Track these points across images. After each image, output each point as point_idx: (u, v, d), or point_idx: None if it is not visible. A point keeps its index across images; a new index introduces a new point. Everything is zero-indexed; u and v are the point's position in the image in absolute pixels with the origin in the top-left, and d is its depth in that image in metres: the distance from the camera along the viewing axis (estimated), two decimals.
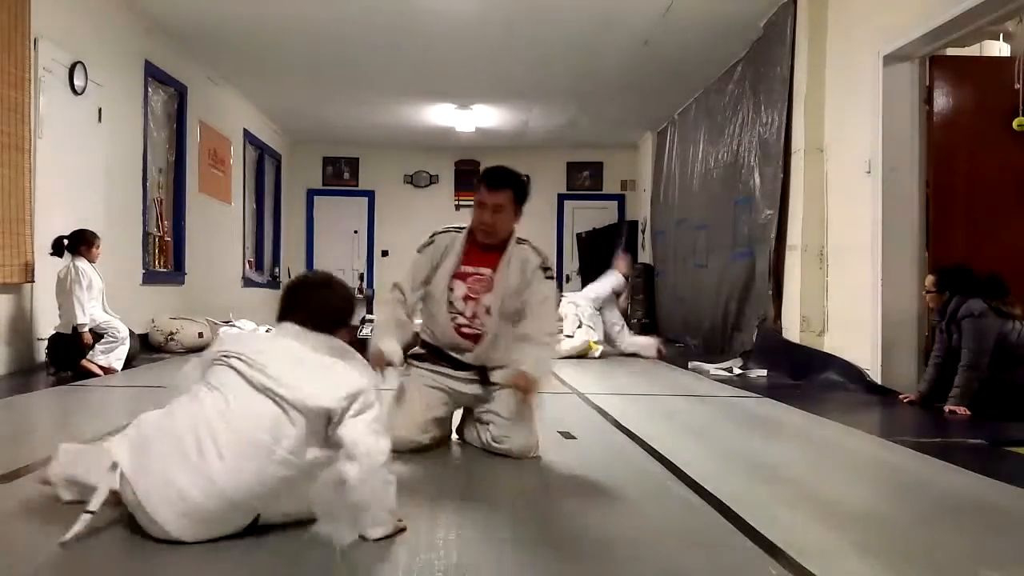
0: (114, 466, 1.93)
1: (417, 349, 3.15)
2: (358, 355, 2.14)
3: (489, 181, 3.05)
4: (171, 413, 2.01)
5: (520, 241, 3.09)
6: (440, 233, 3.17)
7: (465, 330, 3.02)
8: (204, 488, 1.85)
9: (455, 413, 3.20)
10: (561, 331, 3.19)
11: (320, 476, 2.00)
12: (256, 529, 1.95)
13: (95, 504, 1.90)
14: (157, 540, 1.87)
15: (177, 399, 2.04)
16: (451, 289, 3.02)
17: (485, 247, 3.05)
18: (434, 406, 3.04)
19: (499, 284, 2.99)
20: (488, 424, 3.00)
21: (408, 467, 2.80)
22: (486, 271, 3.01)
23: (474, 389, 3.05)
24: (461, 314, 3.02)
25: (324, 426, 1.97)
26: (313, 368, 2.01)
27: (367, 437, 1.95)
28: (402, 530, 1.99)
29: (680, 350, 8.35)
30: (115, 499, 1.96)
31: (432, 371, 3.07)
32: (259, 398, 1.95)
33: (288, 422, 1.93)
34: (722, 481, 2.61)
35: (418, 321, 3.17)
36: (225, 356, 2.03)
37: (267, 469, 1.90)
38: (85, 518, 1.89)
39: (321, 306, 2.14)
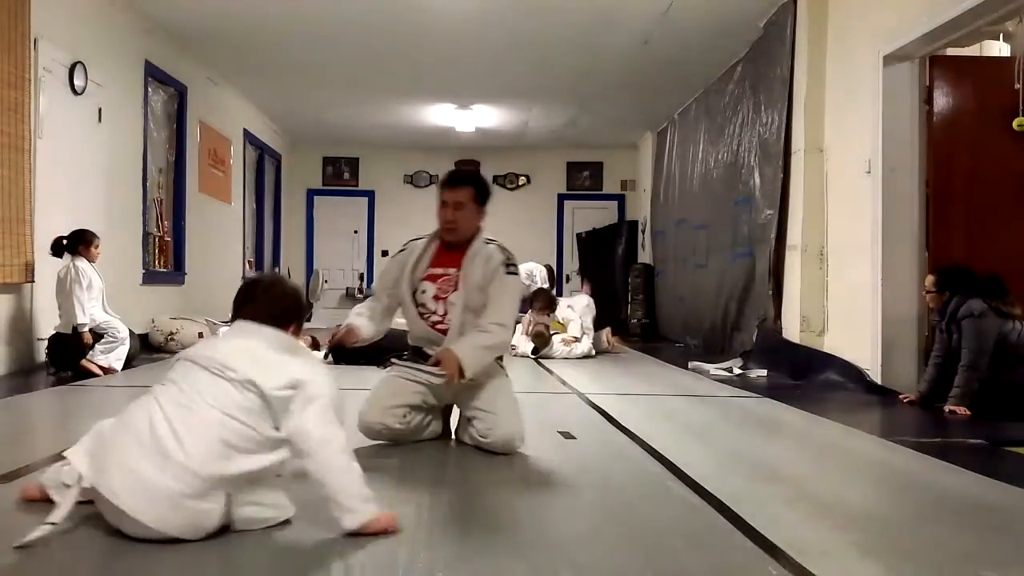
0: (77, 479, 1.94)
1: (404, 353, 3.25)
2: (308, 350, 2.21)
3: (449, 180, 3.22)
4: (127, 412, 2.04)
5: (488, 241, 3.20)
6: (412, 240, 3.30)
7: (439, 327, 3.12)
8: (163, 466, 1.86)
9: (452, 414, 3.24)
10: (513, 324, 3.20)
11: (287, 471, 2.04)
12: (243, 533, 1.95)
13: (56, 516, 1.91)
14: (152, 542, 1.87)
15: (133, 402, 2.08)
16: (422, 291, 3.15)
17: (451, 247, 3.17)
18: (404, 393, 3.10)
19: (462, 281, 3.09)
20: (473, 420, 3.07)
21: (408, 467, 2.81)
22: (452, 271, 3.13)
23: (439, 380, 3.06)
24: (434, 313, 3.13)
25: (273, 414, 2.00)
26: (258, 359, 2.05)
27: (317, 427, 1.98)
28: (390, 530, 1.98)
29: (680, 350, 8.36)
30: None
31: (410, 367, 3.14)
32: (212, 378, 2.00)
33: (241, 397, 1.97)
34: (722, 481, 2.61)
35: (400, 320, 3.29)
36: (180, 357, 2.12)
37: (224, 436, 1.92)
38: (44, 528, 1.88)
39: (271, 303, 2.21)
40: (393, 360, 3.25)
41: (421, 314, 3.14)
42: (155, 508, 1.85)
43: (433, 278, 3.15)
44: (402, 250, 3.28)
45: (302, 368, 2.07)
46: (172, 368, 2.11)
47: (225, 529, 1.94)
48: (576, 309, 7.43)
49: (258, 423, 1.97)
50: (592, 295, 8.22)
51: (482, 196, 3.20)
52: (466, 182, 3.20)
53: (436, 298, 3.13)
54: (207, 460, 1.89)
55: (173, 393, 2.00)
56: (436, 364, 2.96)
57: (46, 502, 2.07)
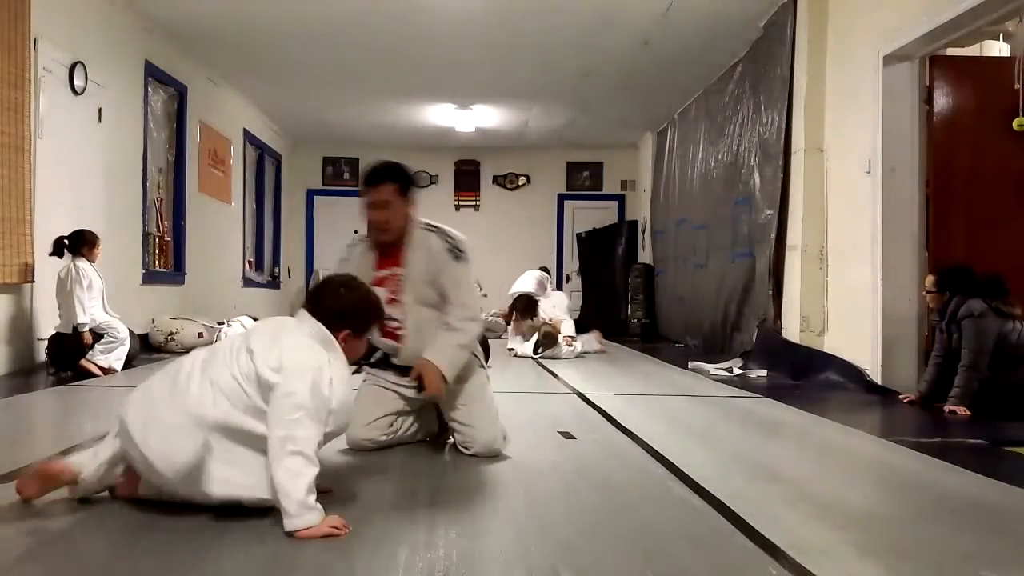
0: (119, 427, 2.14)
1: (373, 356, 3.14)
2: (340, 352, 2.24)
3: (368, 179, 3.01)
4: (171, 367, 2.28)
5: (430, 228, 3.04)
6: (350, 245, 3.16)
7: (400, 332, 2.99)
8: (168, 402, 2.12)
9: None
10: (480, 313, 3.12)
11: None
12: (242, 534, 1.95)
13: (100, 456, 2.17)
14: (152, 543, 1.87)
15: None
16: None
17: (391, 246, 3.01)
18: (384, 402, 3.03)
19: (406, 279, 2.95)
20: (453, 431, 3.05)
21: (406, 469, 2.80)
22: (398, 270, 2.98)
23: (415, 394, 2.98)
24: (393, 319, 2.96)
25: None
26: (276, 339, 2.19)
27: (278, 425, 2.03)
28: (335, 535, 1.97)
29: (680, 350, 8.36)
30: (126, 489, 2.18)
31: (383, 376, 3.08)
32: (239, 342, 2.20)
33: (247, 364, 2.13)
34: (722, 481, 2.61)
35: None
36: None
37: (224, 388, 2.10)
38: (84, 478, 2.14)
39: (330, 301, 2.30)
40: (365, 367, 3.13)
41: (385, 322, 2.90)
42: (144, 430, 2.06)
43: (382, 281, 2.94)
44: (344, 258, 3.09)
45: (304, 360, 2.12)
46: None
47: (223, 517, 1.93)
48: (560, 308, 7.49)
49: (252, 391, 2.10)
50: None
51: (405, 188, 3.01)
52: (385, 177, 2.98)
53: (391, 302, 2.91)
54: (199, 402, 2.09)
55: (205, 355, 2.23)
56: (417, 378, 2.87)
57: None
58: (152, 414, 2.10)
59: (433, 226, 3.06)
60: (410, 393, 2.98)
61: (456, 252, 2.98)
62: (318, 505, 2.00)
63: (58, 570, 1.83)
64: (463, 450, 3.00)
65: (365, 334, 2.38)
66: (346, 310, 2.29)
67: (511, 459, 2.96)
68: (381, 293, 2.86)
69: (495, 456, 2.95)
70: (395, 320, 2.96)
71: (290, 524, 1.96)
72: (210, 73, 8.73)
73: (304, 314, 2.27)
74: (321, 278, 2.51)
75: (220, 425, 2.08)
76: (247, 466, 2.08)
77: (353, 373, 2.97)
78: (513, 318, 7.52)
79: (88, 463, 2.19)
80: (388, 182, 2.98)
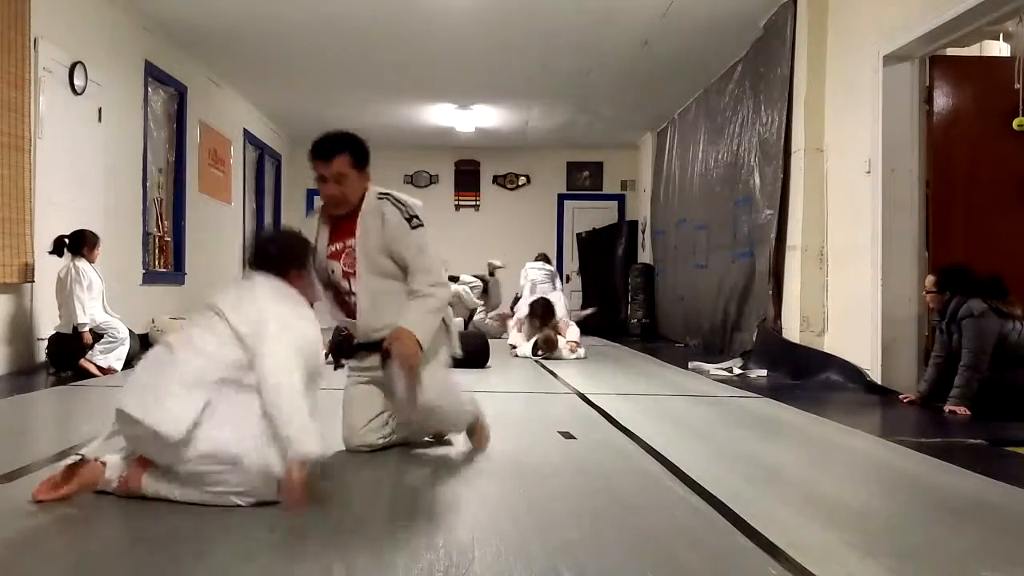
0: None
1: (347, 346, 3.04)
2: (300, 298, 2.44)
3: (320, 151, 2.84)
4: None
5: (381, 196, 2.92)
6: (305, 219, 3.09)
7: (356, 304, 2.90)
8: (159, 373, 2.23)
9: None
10: (444, 277, 2.93)
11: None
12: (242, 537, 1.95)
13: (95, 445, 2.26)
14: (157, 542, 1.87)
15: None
16: (332, 272, 2.91)
17: (343, 218, 2.90)
18: (373, 402, 2.95)
19: (359, 247, 2.84)
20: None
21: (407, 467, 2.80)
22: (351, 241, 2.87)
23: (390, 370, 2.83)
24: (352, 293, 2.89)
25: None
26: (241, 298, 2.35)
27: (271, 372, 2.17)
28: (294, 503, 2.07)
29: (680, 350, 8.36)
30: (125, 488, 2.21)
31: (356, 366, 3.00)
32: (214, 319, 2.31)
33: (224, 329, 2.27)
34: (722, 481, 2.61)
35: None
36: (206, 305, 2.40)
37: (210, 355, 2.23)
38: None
39: (267, 251, 2.50)
40: (347, 364, 3.04)
41: (343, 298, 2.90)
42: (143, 407, 2.15)
43: (337, 255, 2.88)
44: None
45: (275, 310, 2.30)
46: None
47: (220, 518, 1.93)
48: (563, 311, 7.52)
49: (234, 349, 2.24)
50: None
51: (360, 159, 2.87)
52: (339, 148, 2.84)
53: (345, 275, 2.87)
54: (189, 370, 2.20)
55: (179, 334, 2.34)
56: (387, 355, 2.73)
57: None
58: (147, 391, 2.19)
59: (384, 193, 2.93)
60: (381, 373, 2.83)
61: (411, 219, 2.85)
62: (318, 437, 2.14)
63: (58, 569, 1.83)
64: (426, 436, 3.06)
65: (307, 269, 2.55)
66: (281, 252, 2.49)
67: (511, 459, 2.96)
68: (336, 267, 2.89)
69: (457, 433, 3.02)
70: (353, 295, 2.88)
71: (293, 451, 2.07)
72: (210, 73, 8.73)
73: (253, 274, 2.43)
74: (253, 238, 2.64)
75: (213, 385, 2.19)
76: (238, 422, 2.17)
77: (334, 371, 2.97)
78: (530, 323, 7.32)
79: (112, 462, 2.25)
80: (343, 153, 2.84)
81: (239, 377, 2.22)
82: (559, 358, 6.94)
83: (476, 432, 3.09)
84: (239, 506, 2.16)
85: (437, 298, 2.82)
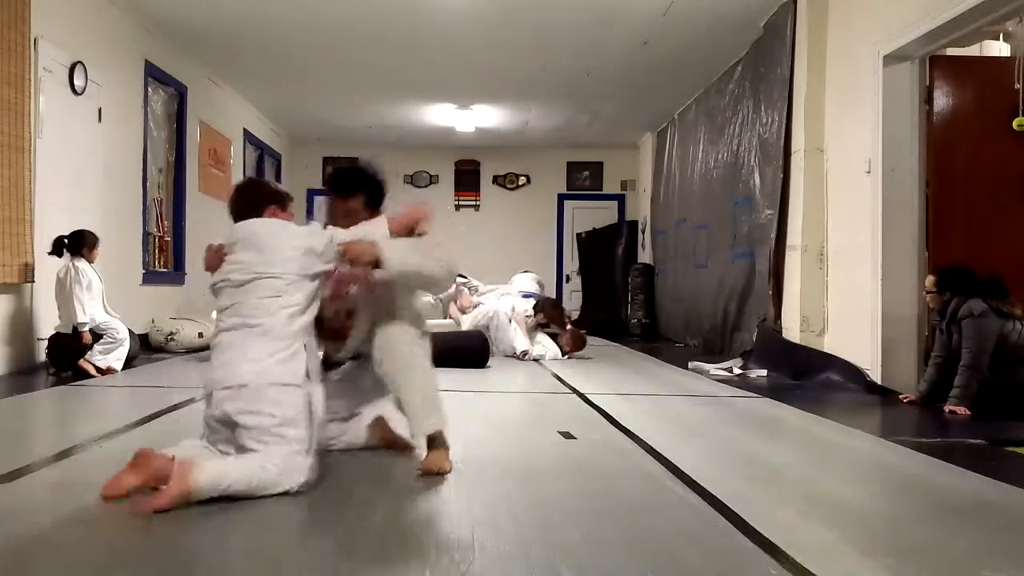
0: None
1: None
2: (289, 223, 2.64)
3: (337, 187, 2.84)
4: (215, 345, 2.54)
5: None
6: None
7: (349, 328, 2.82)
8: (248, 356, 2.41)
9: None
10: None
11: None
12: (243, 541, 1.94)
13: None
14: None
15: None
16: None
17: None
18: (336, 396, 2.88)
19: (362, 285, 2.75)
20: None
21: (406, 467, 2.80)
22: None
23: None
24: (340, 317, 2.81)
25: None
26: (266, 243, 2.53)
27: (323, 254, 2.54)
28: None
29: (680, 350, 8.36)
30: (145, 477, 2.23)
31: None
32: (249, 282, 2.48)
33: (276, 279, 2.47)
34: (722, 481, 2.61)
35: None
36: (221, 281, 2.54)
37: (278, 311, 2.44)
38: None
39: (246, 199, 2.73)
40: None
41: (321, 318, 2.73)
42: (258, 375, 2.34)
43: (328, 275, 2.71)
44: None
45: (294, 229, 2.59)
46: (218, 295, 2.56)
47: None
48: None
49: (293, 293, 2.47)
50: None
51: (375, 200, 2.83)
52: (356, 187, 2.83)
53: (334, 298, 2.76)
54: (283, 332, 2.42)
55: (232, 311, 2.48)
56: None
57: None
58: (247, 365, 2.36)
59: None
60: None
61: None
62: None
63: (58, 568, 1.83)
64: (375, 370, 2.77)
65: (288, 205, 2.77)
66: (259, 195, 2.74)
67: (511, 459, 2.96)
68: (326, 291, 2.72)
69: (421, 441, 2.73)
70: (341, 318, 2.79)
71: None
72: (210, 73, 8.73)
73: (244, 222, 2.62)
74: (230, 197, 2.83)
75: (298, 331, 2.45)
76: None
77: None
78: (538, 320, 7.19)
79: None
80: (358, 193, 2.82)
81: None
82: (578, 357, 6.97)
83: (435, 448, 2.71)
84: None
85: (437, 260, 2.72)
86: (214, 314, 2.71)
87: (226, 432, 2.37)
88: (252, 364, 2.36)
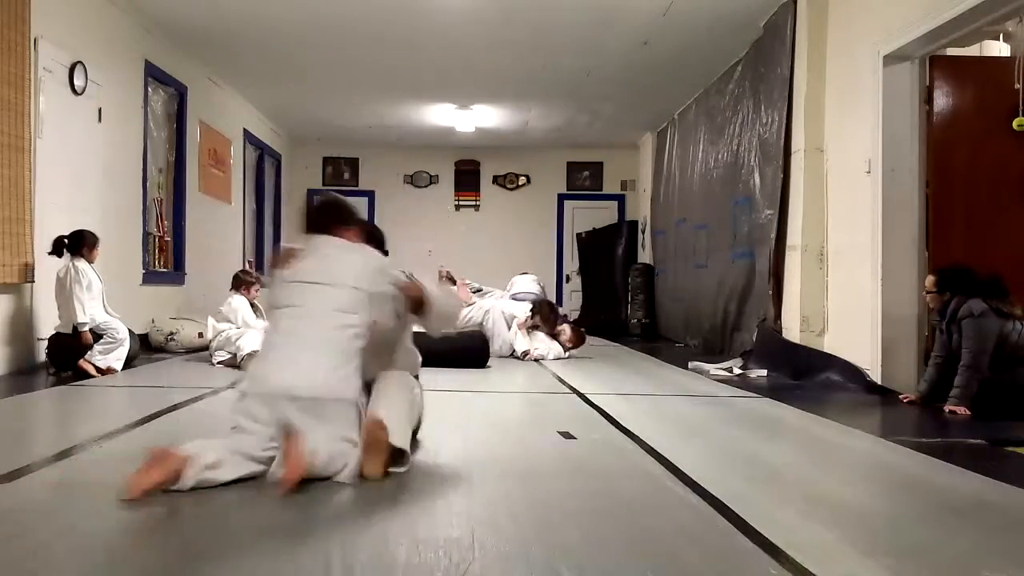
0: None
1: None
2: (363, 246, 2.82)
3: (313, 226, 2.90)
4: (267, 340, 2.78)
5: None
6: None
7: None
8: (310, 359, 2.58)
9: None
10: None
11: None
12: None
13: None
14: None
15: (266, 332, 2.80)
16: None
17: None
18: None
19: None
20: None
21: (406, 468, 2.80)
22: None
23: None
24: None
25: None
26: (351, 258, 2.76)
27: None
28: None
29: (680, 350, 8.36)
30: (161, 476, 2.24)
31: None
32: (321, 288, 2.66)
33: (347, 297, 2.65)
34: (722, 481, 2.61)
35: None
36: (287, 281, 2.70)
37: (340, 328, 2.61)
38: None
39: (330, 217, 2.90)
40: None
41: None
42: (313, 381, 2.49)
43: None
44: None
45: (372, 254, 2.83)
46: (280, 291, 2.70)
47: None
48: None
49: (360, 312, 2.63)
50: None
51: (381, 249, 3.06)
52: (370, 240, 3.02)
53: None
54: (346, 349, 2.58)
55: (293, 314, 2.61)
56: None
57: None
58: (318, 376, 2.52)
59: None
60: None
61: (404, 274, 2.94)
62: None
63: (58, 569, 1.83)
64: None
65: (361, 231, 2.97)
66: (340, 215, 2.90)
67: (511, 459, 2.96)
68: None
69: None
70: None
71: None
72: (210, 73, 8.73)
73: (322, 236, 2.79)
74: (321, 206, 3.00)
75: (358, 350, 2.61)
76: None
77: None
78: (535, 321, 7.22)
79: (197, 459, 2.32)
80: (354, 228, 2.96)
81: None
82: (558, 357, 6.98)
83: (372, 450, 2.56)
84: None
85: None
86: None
87: (266, 431, 2.45)
88: (321, 376, 2.52)
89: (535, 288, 8.23)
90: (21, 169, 5.21)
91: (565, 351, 7.06)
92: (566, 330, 7.29)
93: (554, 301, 9.83)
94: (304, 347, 2.55)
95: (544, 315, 7.19)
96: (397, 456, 2.59)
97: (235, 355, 5.89)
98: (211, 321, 6.27)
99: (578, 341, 7.23)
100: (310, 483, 2.37)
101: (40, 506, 2.20)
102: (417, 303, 2.84)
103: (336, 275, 2.65)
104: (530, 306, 7.32)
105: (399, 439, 2.58)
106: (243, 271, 6.85)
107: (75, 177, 6.00)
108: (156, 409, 3.88)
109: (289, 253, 2.79)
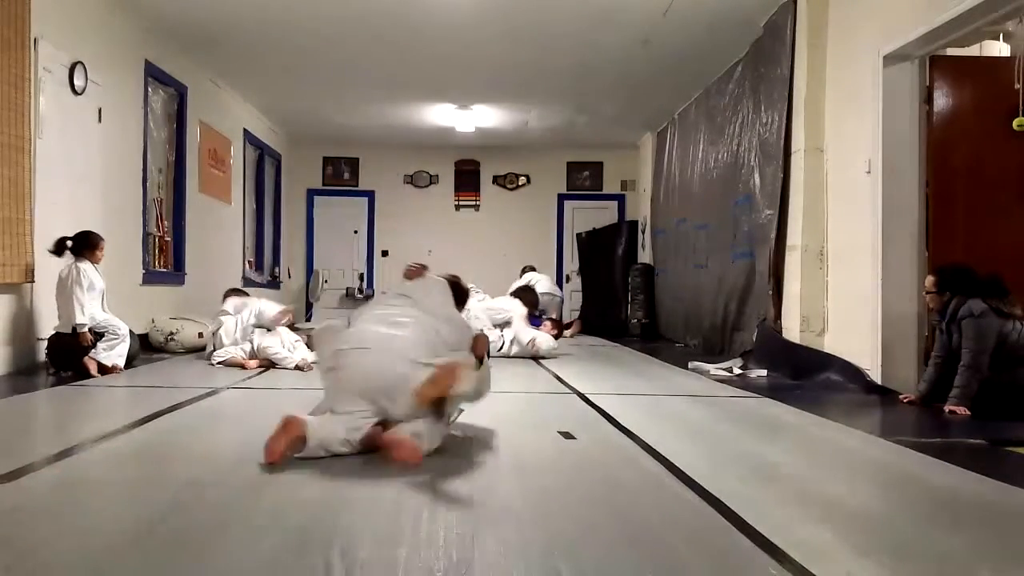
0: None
1: None
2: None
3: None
4: (356, 328, 3.17)
5: None
6: None
7: None
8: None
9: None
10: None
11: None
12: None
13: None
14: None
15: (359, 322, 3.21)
16: None
17: None
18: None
19: None
20: None
21: (407, 467, 2.80)
22: None
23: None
24: None
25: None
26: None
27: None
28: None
29: (680, 350, 8.36)
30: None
31: None
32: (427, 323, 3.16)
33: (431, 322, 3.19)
34: (722, 481, 2.61)
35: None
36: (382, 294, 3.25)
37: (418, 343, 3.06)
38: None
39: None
40: None
41: None
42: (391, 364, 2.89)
43: None
44: None
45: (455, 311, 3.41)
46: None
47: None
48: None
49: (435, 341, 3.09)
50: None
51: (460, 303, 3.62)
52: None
53: None
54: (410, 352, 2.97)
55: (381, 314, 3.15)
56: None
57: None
58: (392, 369, 2.90)
59: None
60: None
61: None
62: None
63: (58, 568, 1.83)
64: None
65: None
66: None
67: (511, 458, 2.96)
68: None
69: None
70: None
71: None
72: (210, 73, 8.74)
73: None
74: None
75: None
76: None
77: None
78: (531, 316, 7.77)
79: (315, 432, 2.71)
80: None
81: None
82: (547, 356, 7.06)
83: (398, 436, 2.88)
84: None
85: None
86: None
87: (366, 410, 2.86)
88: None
89: (557, 291, 8.78)
90: (21, 169, 5.21)
91: (555, 339, 7.47)
92: (547, 324, 7.97)
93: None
94: (391, 355, 2.95)
95: (528, 300, 7.76)
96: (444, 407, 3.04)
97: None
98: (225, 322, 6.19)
99: (559, 332, 8.06)
100: (316, 482, 2.37)
101: (40, 506, 2.20)
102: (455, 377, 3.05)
103: (412, 303, 3.22)
104: (511, 304, 7.55)
105: (462, 388, 2.98)
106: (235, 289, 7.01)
107: (75, 177, 6.00)
108: (156, 409, 3.88)
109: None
